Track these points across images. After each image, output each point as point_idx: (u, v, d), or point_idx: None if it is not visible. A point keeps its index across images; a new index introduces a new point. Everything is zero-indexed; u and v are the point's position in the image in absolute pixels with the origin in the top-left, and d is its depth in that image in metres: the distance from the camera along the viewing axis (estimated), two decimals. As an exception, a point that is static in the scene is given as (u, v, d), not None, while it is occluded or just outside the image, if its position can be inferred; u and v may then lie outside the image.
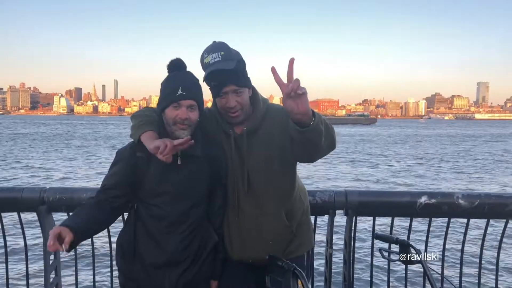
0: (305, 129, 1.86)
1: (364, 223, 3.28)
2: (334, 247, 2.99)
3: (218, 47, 2.16)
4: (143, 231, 2.20)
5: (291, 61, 1.80)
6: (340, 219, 3.02)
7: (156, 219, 2.17)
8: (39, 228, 3.00)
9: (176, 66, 2.16)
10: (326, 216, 2.95)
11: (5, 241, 3.10)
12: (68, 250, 1.86)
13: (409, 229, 3.01)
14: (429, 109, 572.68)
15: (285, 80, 1.85)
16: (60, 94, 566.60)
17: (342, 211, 2.89)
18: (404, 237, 2.35)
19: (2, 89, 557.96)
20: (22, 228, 3.11)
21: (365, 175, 22.83)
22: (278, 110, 2.29)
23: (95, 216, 2.08)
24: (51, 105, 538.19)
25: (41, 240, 3.11)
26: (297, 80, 1.77)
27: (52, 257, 3.01)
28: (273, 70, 1.81)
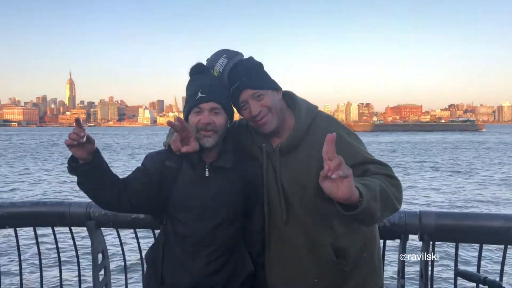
0: (350, 214, 1.50)
1: (444, 248, 2.78)
2: (407, 277, 2.55)
3: (217, 54, 1.95)
4: (169, 250, 1.99)
5: (331, 137, 1.41)
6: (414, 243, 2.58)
7: (181, 238, 1.96)
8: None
9: (197, 70, 1.96)
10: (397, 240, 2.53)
11: (58, 253, 3.08)
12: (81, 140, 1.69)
13: (502, 262, 2.47)
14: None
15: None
16: (144, 107, 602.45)
17: (416, 235, 2.46)
18: (495, 272, 1.87)
19: (93, 102, 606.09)
20: (74, 243, 3.09)
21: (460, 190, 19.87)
22: (328, 123, 1.94)
23: (115, 183, 1.87)
24: (136, 117, 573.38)
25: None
26: (338, 159, 1.38)
27: (100, 256, 2.94)
28: (328, 139, 1.41)
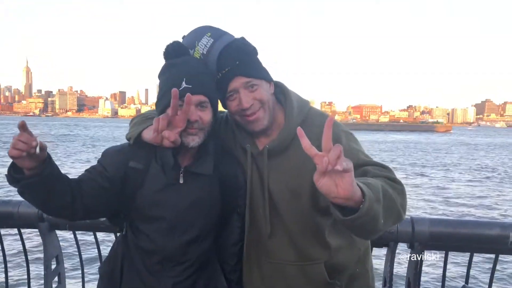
0: (350, 218, 1.22)
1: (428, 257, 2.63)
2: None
3: (198, 32, 1.65)
4: (129, 266, 1.68)
5: (329, 120, 1.20)
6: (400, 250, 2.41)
7: (145, 253, 1.64)
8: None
9: (176, 52, 1.60)
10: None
11: (4, 256, 2.73)
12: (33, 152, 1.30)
13: (493, 271, 2.36)
14: (478, 116, 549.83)
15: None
16: (105, 98, 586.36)
17: (406, 243, 2.30)
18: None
19: (51, 92, 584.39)
20: (24, 246, 2.77)
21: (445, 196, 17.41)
22: (323, 119, 1.64)
23: (67, 189, 1.49)
24: (96, 108, 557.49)
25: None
26: (337, 148, 1.14)
27: (54, 262, 2.65)
28: (300, 132, 1.22)
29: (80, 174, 1.63)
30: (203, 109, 1.56)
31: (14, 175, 1.36)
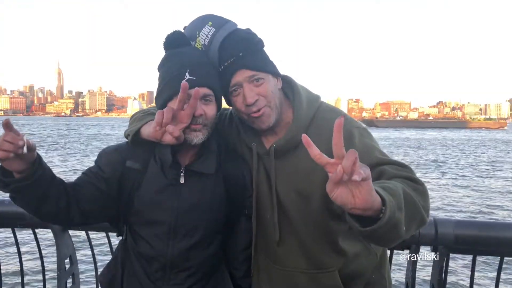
0: (369, 229, 1.10)
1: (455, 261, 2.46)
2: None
3: (200, 21, 1.53)
4: (130, 273, 1.59)
5: (338, 123, 1.02)
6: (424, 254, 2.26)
7: (145, 260, 1.55)
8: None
9: (177, 41, 1.51)
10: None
11: (19, 255, 2.72)
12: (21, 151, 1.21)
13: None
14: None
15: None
16: (133, 97, 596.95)
17: (428, 245, 2.16)
18: None
19: (82, 92, 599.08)
20: (38, 244, 2.74)
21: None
22: (335, 115, 1.45)
23: (61, 193, 1.42)
24: (125, 108, 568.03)
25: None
26: (352, 153, 0.97)
27: (67, 261, 2.61)
28: (306, 141, 1.05)
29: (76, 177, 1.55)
30: (207, 103, 1.46)
31: (3, 179, 1.29)
